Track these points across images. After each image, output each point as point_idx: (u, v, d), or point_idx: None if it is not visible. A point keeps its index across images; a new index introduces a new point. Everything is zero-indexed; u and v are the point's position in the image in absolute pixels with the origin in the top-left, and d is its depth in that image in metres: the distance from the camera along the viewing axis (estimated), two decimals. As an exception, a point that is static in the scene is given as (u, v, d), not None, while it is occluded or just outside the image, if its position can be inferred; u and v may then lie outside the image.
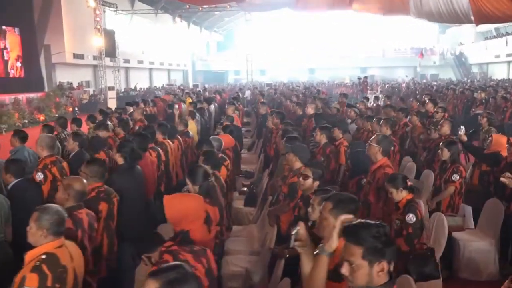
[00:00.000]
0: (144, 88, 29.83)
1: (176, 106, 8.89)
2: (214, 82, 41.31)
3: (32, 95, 19.97)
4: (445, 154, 4.45)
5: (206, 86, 29.54)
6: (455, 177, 4.30)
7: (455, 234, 4.37)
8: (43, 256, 2.15)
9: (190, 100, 13.70)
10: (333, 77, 39.12)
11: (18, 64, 22.36)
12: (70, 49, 24.61)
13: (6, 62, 21.91)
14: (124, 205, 3.53)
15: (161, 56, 37.19)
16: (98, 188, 3.15)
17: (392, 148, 5.48)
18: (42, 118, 19.08)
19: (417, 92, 16.79)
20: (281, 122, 6.48)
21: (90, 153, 4.98)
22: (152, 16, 33.56)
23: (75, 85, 25.71)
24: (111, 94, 24.27)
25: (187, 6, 27.08)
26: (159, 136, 5.65)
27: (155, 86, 34.40)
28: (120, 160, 3.74)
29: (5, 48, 21.80)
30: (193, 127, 7.30)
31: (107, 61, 26.95)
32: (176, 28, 36.46)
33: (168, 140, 5.70)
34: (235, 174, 6.60)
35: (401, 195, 3.34)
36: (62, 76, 25.15)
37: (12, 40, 21.92)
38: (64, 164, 4.28)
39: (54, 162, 4.10)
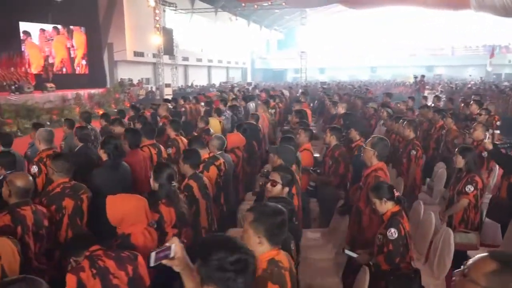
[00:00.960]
0: (199, 85, 30.42)
1: (202, 103, 8.82)
2: (273, 81, 41.28)
3: (93, 91, 21.01)
4: (460, 162, 3.95)
5: (259, 84, 29.52)
6: (469, 188, 3.78)
7: (471, 253, 3.85)
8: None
9: (234, 96, 13.71)
10: (395, 76, 37.44)
11: (83, 61, 23.78)
12: (131, 47, 25.70)
13: (72, 59, 23.43)
14: (104, 201, 3.49)
15: (219, 54, 37.76)
16: (64, 184, 3.11)
17: (415, 152, 5.03)
18: (101, 112, 20.11)
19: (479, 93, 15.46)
20: (299, 121, 6.18)
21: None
22: (212, 14, 34.13)
23: (135, 81, 26.86)
24: (168, 91, 25.09)
25: (243, 5, 27.15)
26: (171, 133, 5.61)
27: (213, 84, 35.07)
28: (104, 157, 3.70)
29: (72, 46, 23.29)
30: (216, 125, 7.18)
31: (166, 59, 27.89)
32: (235, 26, 36.85)
33: (181, 137, 5.63)
34: (254, 173, 6.42)
35: (385, 207, 2.96)
36: (123, 73, 26.33)
37: (79, 39, 23.35)
38: (63, 158, 4.33)
39: (50, 155, 4.16)
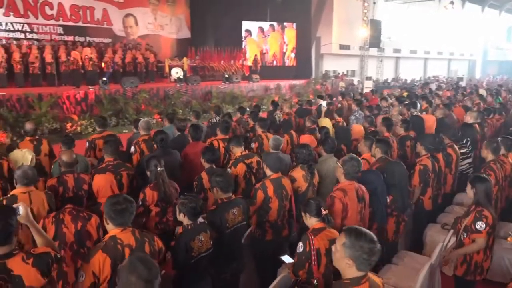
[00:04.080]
0: (401, 79, 29.00)
1: (324, 102, 9.03)
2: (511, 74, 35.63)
3: (294, 82, 23.00)
4: (469, 193, 3.43)
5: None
6: (480, 225, 3.29)
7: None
8: (8, 196, 3.53)
9: (406, 94, 13.18)
10: None
11: (292, 55, 26.17)
12: (337, 41, 26.68)
13: (284, 53, 26.10)
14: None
15: (439, 44, 34.78)
16: (109, 162, 4.30)
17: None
18: (295, 101, 21.88)
19: None
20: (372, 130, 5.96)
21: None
22: (433, 2, 31.65)
23: (340, 73, 27.84)
24: (367, 84, 25.12)
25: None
26: (258, 130, 6.37)
27: (428, 77, 32.87)
28: (155, 146, 4.84)
29: (284, 41, 25.94)
30: (326, 124, 7.47)
31: (374, 51, 27.73)
32: (464, 14, 33.24)
33: (267, 134, 6.31)
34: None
35: (310, 222, 3.07)
36: (329, 65, 27.63)
37: (290, 34, 25.78)
38: (156, 143, 5.68)
39: (145, 140, 5.55)
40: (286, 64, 26.13)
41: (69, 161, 3.93)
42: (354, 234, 2.08)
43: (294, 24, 25.54)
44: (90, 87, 14.32)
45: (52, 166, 4.69)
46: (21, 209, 2.48)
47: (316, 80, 24.54)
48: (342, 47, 27.10)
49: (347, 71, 28.79)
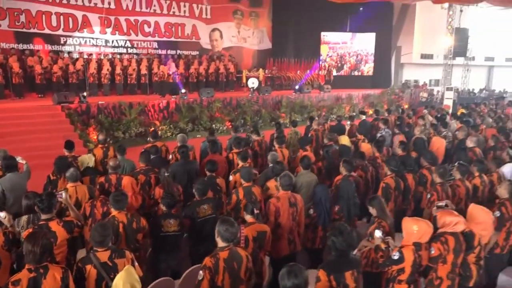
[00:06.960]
0: (490, 89, 27.38)
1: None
2: None
3: (368, 91, 23.40)
4: (372, 211, 4.45)
5: None
6: (377, 232, 4.29)
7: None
8: (63, 188, 5.39)
9: (461, 111, 13.37)
10: None
11: (370, 64, 26.48)
12: (418, 50, 26.37)
13: (361, 63, 26.50)
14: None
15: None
16: (142, 168, 6.04)
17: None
18: (370, 112, 22.26)
19: None
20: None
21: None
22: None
23: (421, 83, 27.38)
24: (449, 94, 24.46)
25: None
26: (276, 145, 7.74)
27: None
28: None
29: (362, 51, 26.32)
30: (345, 142, 8.49)
31: (462, 60, 26.74)
32: None
33: (282, 149, 7.63)
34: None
35: (246, 218, 4.39)
36: (410, 75, 27.34)
37: (368, 44, 26.11)
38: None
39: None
40: (363, 74, 26.51)
41: (114, 165, 5.73)
42: (221, 220, 3.48)
43: (373, 34, 25.84)
44: (172, 96, 16.66)
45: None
46: (63, 194, 4.27)
47: (392, 90, 24.59)
48: (424, 56, 26.69)
49: (430, 81, 28.16)
